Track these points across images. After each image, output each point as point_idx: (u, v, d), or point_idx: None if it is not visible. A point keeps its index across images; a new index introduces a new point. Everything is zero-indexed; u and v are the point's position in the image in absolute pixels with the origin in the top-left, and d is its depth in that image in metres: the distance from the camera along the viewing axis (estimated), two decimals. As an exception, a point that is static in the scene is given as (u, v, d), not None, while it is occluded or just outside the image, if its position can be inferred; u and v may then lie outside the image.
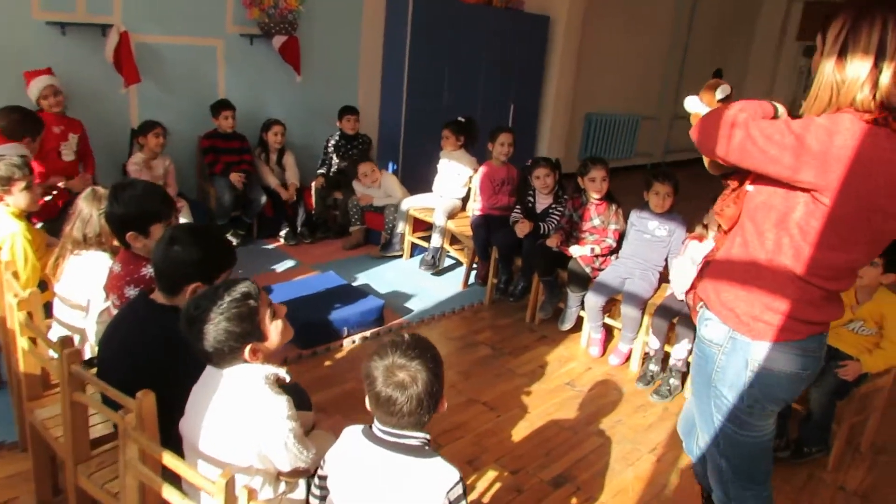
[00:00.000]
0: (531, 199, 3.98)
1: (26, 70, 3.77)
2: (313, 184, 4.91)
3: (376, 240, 4.91)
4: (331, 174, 5.05)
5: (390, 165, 5.88)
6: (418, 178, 5.35)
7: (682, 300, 3.21)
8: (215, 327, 1.42)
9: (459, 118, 4.66)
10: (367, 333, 3.54)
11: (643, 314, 3.34)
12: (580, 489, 2.49)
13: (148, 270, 1.97)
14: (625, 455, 2.73)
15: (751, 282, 1.51)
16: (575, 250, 3.59)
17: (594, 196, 3.61)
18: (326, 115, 5.30)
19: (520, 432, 2.83)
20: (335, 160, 5.03)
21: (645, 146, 9.06)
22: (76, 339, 2.25)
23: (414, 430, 1.36)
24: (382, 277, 4.38)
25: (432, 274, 4.49)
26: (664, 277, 3.48)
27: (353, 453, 1.40)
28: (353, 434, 1.42)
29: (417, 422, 1.35)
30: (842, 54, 1.31)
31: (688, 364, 3.21)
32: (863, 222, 1.35)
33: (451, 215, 4.51)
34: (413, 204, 4.66)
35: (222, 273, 1.77)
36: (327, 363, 3.28)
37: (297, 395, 1.72)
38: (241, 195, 4.58)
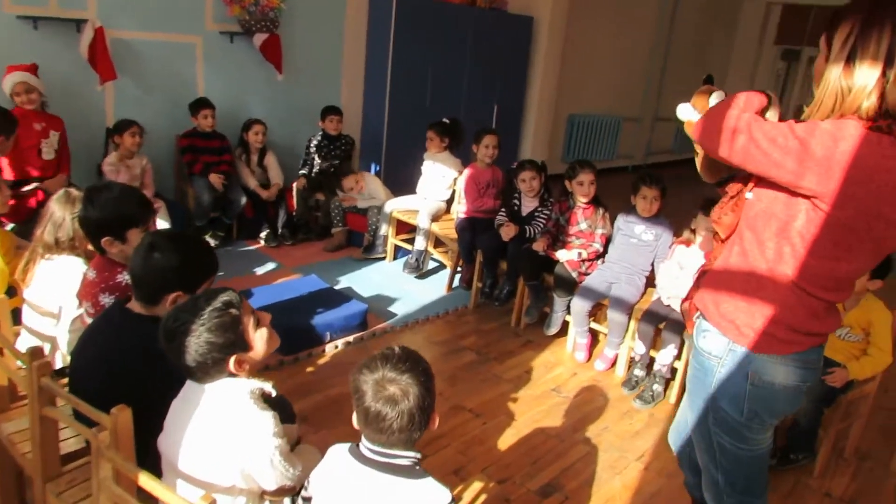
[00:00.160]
0: (517, 201, 3.95)
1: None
2: (295, 184, 4.83)
3: (358, 242, 4.84)
4: (312, 175, 4.97)
5: (373, 166, 5.81)
6: (401, 180, 5.30)
7: (669, 305, 3.20)
8: (197, 339, 1.36)
9: (444, 119, 4.61)
10: (351, 338, 3.48)
11: (630, 319, 3.32)
12: (568, 498, 2.46)
13: (124, 277, 1.89)
14: (612, 463, 2.70)
15: (751, 292, 1.47)
16: (562, 255, 3.56)
17: (581, 200, 3.58)
18: (308, 115, 5.21)
19: (506, 440, 2.78)
20: (317, 161, 4.95)
21: (627, 148, 9.10)
22: (46, 347, 2.15)
23: (404, 448, 1.30)
24: (365, 280, 4.32)
25: (416, 277, 4.43)
26: (650, 282, 3.47)
27: (338, 473, 1.33)
28: (338, 453, 1.36)
29: (408, 439, 1.30)
30: (850, 60, 1.28)
31: (673, 370, 3.20)
32: (864, 231, 1.33)
33: (436, 218, 4.45)
34: (397, 206, 4.60)
35: (204, 281, 1.70)
36: (309, 369, 3.20)
37: (281, 407, 1.65)
38: (221, 196, 4.48)
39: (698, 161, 1.75)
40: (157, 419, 1.45)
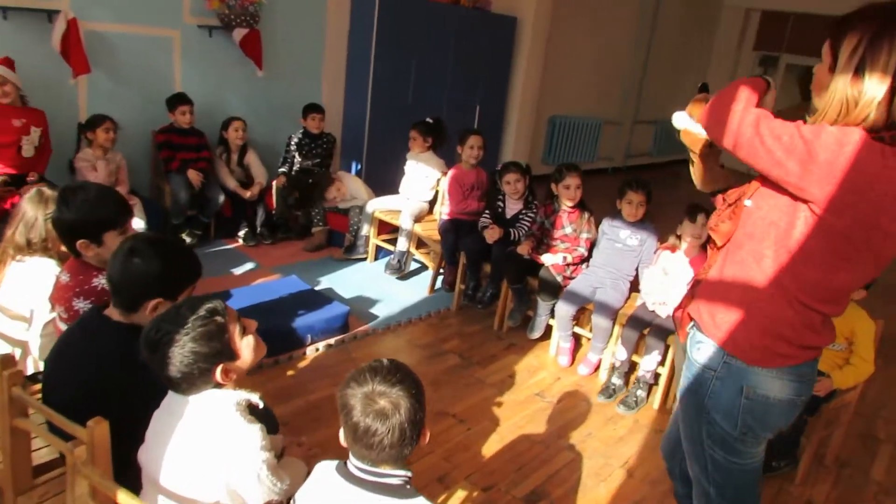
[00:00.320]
0: (501, 204, 3.92)
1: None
2: (274, 183, 4.73)
3: (339, 241, 4.77)
4: (292, 173, 4.88)
5: (354, 165, 5.74)
6: (383, 179, 5.24)
7: (653, 311, 3.20)
8: (181, 350, 1.30)
9: (427, 119, 4.56)
10: (332, 341, 3.42)
11: (614, 324, 3.31)
12: (554, 507, 2.44)
13: (100, 282, 1.81)
14: (597, 470, 2.69)
15: (747, 303, 1.46)
16: (547, 258, 3.54)
17: (567, 204, 3.56)
18: (288, 113, 5.13)
19: (491, 447, 2.75)
20: (298, 159, 4.86)
21: (607, 150, 9.14)
22: (17, 352, 2.07)
23: (394, 465, 1.26)
24: (346, 281, 4.25)
25: (398, 278, 4.38)
26: (634, 287, 3.47)
27: (325, 492, 1.28)
28: (325, 471, 1.31)
29: (398, 455, 1.25)
30: (858, 72, 1.26)
31: (656, 376, 3.20)
32: (862, 241, 1.31)
33: (418, 218, 4.41)
34: (379, 206, 4.54)
35: (186, 288, 1.63)
36: (290, 373, 3.14)
37: (266, 418, 1.60)
38: (198, 193, 4.38)
39: (694, 170, 1.73)
40: (138, 431, 1.39)
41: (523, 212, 3.84)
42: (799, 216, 1.35)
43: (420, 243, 4.52)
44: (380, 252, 4.67)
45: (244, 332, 1.41)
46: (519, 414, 3.03)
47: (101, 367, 1.52)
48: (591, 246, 3.60)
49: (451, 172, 4.16)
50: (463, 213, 4.09)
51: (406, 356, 3.46)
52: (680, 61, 9.96)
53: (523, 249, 3.60)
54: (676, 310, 1.76)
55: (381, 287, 4.23)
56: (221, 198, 4.43)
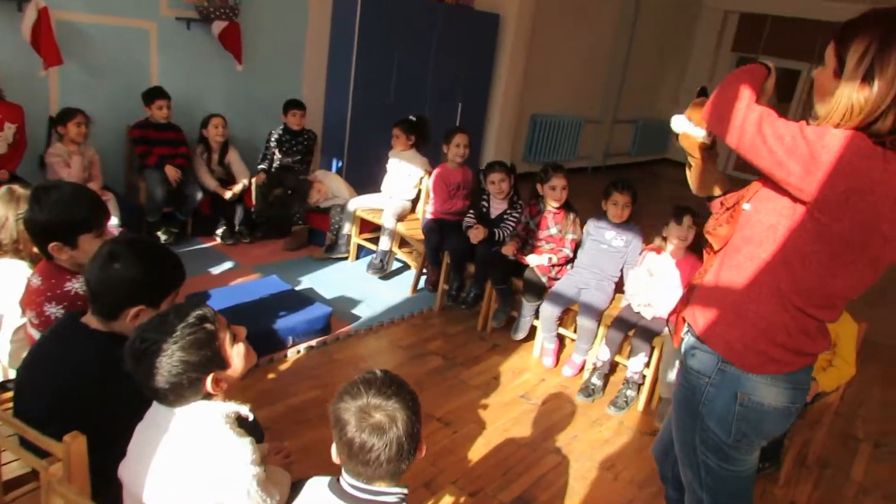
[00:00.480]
0: (485, 203, 3.88)
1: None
2: (254, 180, 4.63)
3: (319, 240, 4.69)
4: (272, 170, 4.79)
5: (334, 163, 5.65)
6: (364, 177, 5.17)
7: (639, 312, 3.19)
8: (169, 359, 1.24)
9: (410, 117, 4.50)
10: (314, 342, 3.35)
11: (599, 325, 3.30)
12: (541, 512, 2.41)
13: (73, 286, 1.73)
14: (583, 473, 2.67)
15: (744, 309, 1.44)
16: (532, 259, 3.51)
17: (553, 205, 3.54)
18: (268, 108, 5.02)
19: (477, 450, 2.72)
20: (277, 155, 4.77)
21: (587, 149, 9.16)
22: (-15, 358, 1.97)
23: (390, 482, 1.21)
24: (327, 281, 4.18)
25: (380, 278, 4.32)
26: (618, 288, 3.46)
27: (318, 510, 1.24)
28: (317, 488, 1.26)
29: (395, 471, 1.20)
30: (866, 78, 1.25)
31: (643, 377, 3.20)
32: (861, 246, 1.30)
33: (401, 217, 4.35)
34: (360, 204, 4.48)
35: (169, 294, 1.56)
36: (271, 376, 3.07)
37: (252, 428, 1.54)
38: (175, 190, 4.27)
39: (691, 174, 1.71)
40: (118, 445, 1.32)
41: (508, 212, 3.81)
42: (798, 220, 1.33)
43: (402, 242, 4.46)
44: (361, 251, 4.61)
45: (234, 339, 1.35)
46: (504, 416, 3.00)
47: (79, 377, 1.45)
48: (576, 247, 3.58)
49: (436, 171, 4.11)
50: (448, 212, 4.04)
51: (389, 357, 3.41)
52: (660, 61, 10.02)
53: (508, 250, 3.57)
54: (671, 314, 1.74)
55: (362, 287, 4.17)
56: (199, 195, 4.32)
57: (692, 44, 10.59)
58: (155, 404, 1.32)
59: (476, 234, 3.70)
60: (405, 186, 4.42)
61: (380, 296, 4.09)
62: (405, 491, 1.23)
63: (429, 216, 4.12)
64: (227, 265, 4.21)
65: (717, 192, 1.72)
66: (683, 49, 10.53)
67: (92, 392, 1.40)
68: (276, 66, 5.17)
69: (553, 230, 3.57)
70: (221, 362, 1.31)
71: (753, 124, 1.33)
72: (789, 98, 10.07)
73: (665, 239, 3.18)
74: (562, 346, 3.63)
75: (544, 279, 3.49)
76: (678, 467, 1.78)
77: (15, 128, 3.51)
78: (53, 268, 1.78)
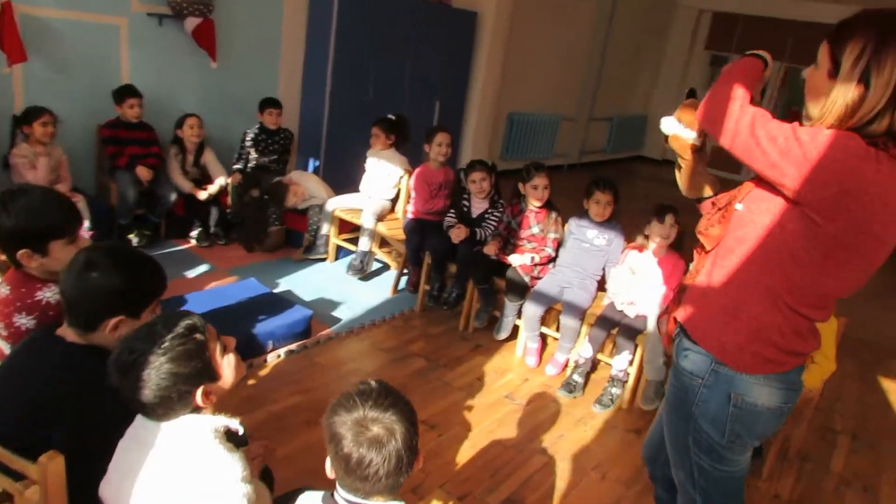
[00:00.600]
0: (466, 203, 3.85)
1: None
2: (229, 180, 4.53)
3: (296, 241, 4.62)
4: (248, 170, 4.70)
5: (311, 162, 5.57)
6: (341, 176, 5.10)
7: (622, 310, 3.19)
8: (157, 372, 1.18)
9: (389, 116, 4.44)
10: (294, 346, 3.29)
11: (582, 324, 3.29)
12: (530, 514, 2.39)
13: (45, 295, 1.65)
14: (570, 473, 2.66)
15: (737, 309, 1.43)
16: (515, 259, 3.49)
17: (535, 204, 3.52)
18: (243, 107, 4.92)
19: (463, 453, 2.69)
20: (253, 155, 4.68)
21: (563, 146, 9.19)
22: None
23: (388, 497, 1.17)
24: (306, 283, 4.12)
25: (360, 279, 4.27)
26: (601, 286, 3.46)
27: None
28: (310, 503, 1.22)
29: (394, 485, 1.17)
30: (862, 79, 1.24)
31: (628, 374, 3.20)
32: (854, 247, 1.31)
33: (381, 217, 4.30)
34: (339, 204, 4.41)
35: (150, 303, 1.50)
36: (251, 382, 3.00)
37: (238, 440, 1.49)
38: (148, 191, 4.15)
39: (681, 175, 1.70)
40: (99, 464, 1.26)
41: (489, 211, 3.78)
42: (791, 220, 1.33)
43: (382, 243, 4.41)
44: (340, 252, 4.55)
45: (224, 350, 1.30)
46: (489, 418, 2.98)
47: (55, 393, 1.38)
48: (559, 246, 3.57)
49: (417, 171, 4.06)
50: (429, 212, 4.00)
51: (371, 360, 3.36)
52: (635, 59, 10.10)
53: (490, 249, 3.54)
54: (661, 316, 1.73)
55: (342, 288, 4.11)
56: (173, 196, 4.21)
57: (666, 42, 10.70)
58: (138, 419, 1.26)
59: (458, 234, 3.66)
60: (384, 186, 4.37)
61: (360, 297, 4.03)
62: (403, 504, 1.20)
63: (410, 216, 4.08)
64: (203, 268, 4.11)
65: (707, 193, 1.71)
66: (658, 47, 10.63)
67: (69, 408, 1.33)
68: (252, 63, 5.07)
69: (535, 229, 3.56)
70: (212, 374, 1.26)
71: (747, 126, 1.32)
72: (760, 95, 10.20)
73: (647, 237, 3.18)
74: (544, 345, 3.62)
75: (527, 278, 3.47)
76: (668, 467, 1.77)
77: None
78: (23, 276, 1.69)
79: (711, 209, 1.56)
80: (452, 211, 3.84)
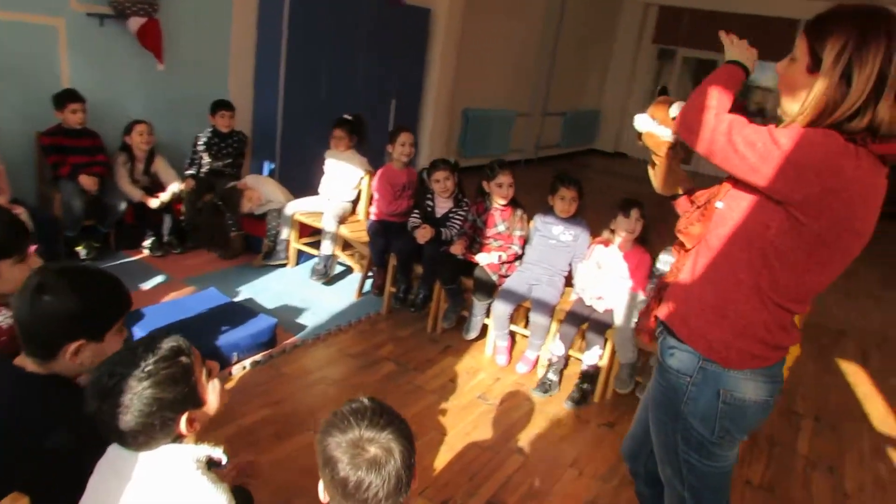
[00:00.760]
0: (430, 202, 3.80)
1: None
2: (182, 186, 4.37)
3: (255, 247, 4.49)
4: (200, 175, 4.54)
5: (266, 165, 5.42)
6: (298, 179, 4.97)
7: (591, 306, 3.20)
8: (139, 397, 1.11)
9: (346, 116, 4.35)
10: (259, 357, 3.19)
11: (551, 320, 3.29)
12: (512, 516, 2.37)
13: (-5, 319, 1.54)
14: (548, 472, 2.65)
15: (722, 307, 1.43)
16: (482, 258, 3.47)
17: (500, 202, 3.50)
18: (193, 110, 4.74)
19: (441, 458, 2.65)
20: (206, 159, 4.52)
21: (518, 142, 9.24)
22: None
23: (386, 518, 1.12)
24: (268, 289, 4.00)
25: (323, 283, 4.18)
26: (567, 282, 3.47)
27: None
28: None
29: None
30: (844, 75, 1.25)
31: (598, 369, 3.21)
32: (835, 243, 1.32)
33: (342, 220, 4.21)
34: (298, 208, 4.31)
35: (113, 324, 1.40)
36: (216, 396, 2.88)
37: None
38: (95, 201, 3.96)
39: (655, 172, 1.70)
40: (69, 501, 1.17)
41: (454, 210, 3.75)
42: (774, 218, 1.33)
43: (345, 245, 4.33)
44: (301, 256, 4.44)
45: (210, 374, 1.23)
46: (464, 420, 2.95)
47: (21, 432, 1.26)
48: (524, 243, 3.57)
49: (379, 172, 3.99)
50: (393, 214, 3.94)
51: (339, 366, 3.29)
52: (585, 54, 10.22)
53: (457, 249, 3.51)
54: (642, 314, 1.72)
55: (305, 294, 4.02)
56: (123, 205, 4.03)
57: (615, 37, 10.88)
58: (113, 450, 1.17)
59: (423, 235, 3.62)
60: (345, 188, 4.28)
61: (324, 302, 3.94)
62: (402, 527, 1.14)
63: (373, 218, 4.01)
64: (158, 279, 3.95)
65: (679, 190, 1.72)
66: (607, 42, 10.79)
67: (31, 444, 1.23)
68: (201, 64, 4.89)
69: (501, 227, 3.54)
70: (197, 400, 1.19)
71: (724, 134, 1.33)
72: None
73: (613, 231, 3.20)
74: (513, 342, 3.61)
75: (495, 277, 3.45)
76: (651, 464, 1.78)
77: None
78: (-31, 300, 1.57)
79: (690, 207, 1.55)
80: (416, 211, 3.79)
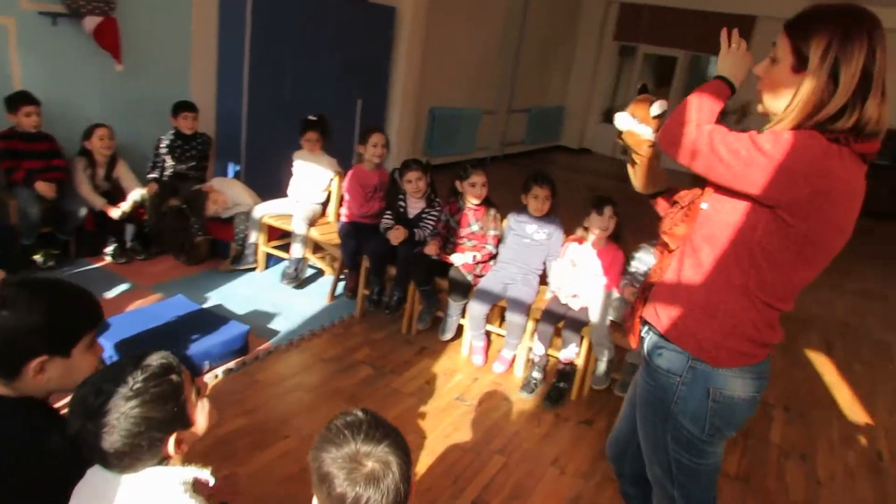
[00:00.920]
0: (402, 203, 3.76)
1: None
2: (144, 191, 4.23)
3: (222, 251, 4.38)
4: (163, 178, 4.41)
5: (231, 168, 5.30)
6: (265, 181, 4.87)
7: (566, 304, 3.21)
8: (126, 417, 1.05)
9: (311, 117, 4.26)
10: (232, 364, 3.11)
11: (527, 319, 3.30)
12: (497, 518, 2.36)
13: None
14: (530, 471, 2.65)
15: (711, 306, 1.44)
16: (456, 258, 3.45)
17: (473, 201, 3.48)
18: (154, 112, 4.59)
19: (423, 461, 2.63)
20: (169, 162, 4.39)
21: (484, 139, 9.24)
22: None
23: (384, 534, 1.09)
24: (237, 295, 3.91)
25: (294, 287, 4.10)
26: (542, 280, 3.47)
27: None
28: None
29: None
30: (831, 74, 1.26)
31: (575, 366, 3.23)
32: (821, 241, 1.34)
33: (312, 222, 4.14)
34: (267, 211, 4.22)
35: (81, 338, 1.34)
36: (189, 407, 2.80)
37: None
38: (53, 208, 3.81)
39: (635, 171, 1.70)
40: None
41: (426, 210, 3.72)
42: (760, 220, 1.34)
43: (315, 248, 4.26)
44: (270, 260, 4.36)
45: (199, 393, 1.18)
46: (443, 422, 2.93)
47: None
48: (498, 242, 3.56)
49: (350, 173, 3.94)
50: (365, 215, 3.89)
51: (314, 372, 3.23)
52: (548, 52, 10.29)
53: (431, 250, 3.49)
54: (626, 313, 1.72)
55: (276, 298, 3.94)
56: (83, 211, 3.88)
57: (577, 34, 10.97)
58: (93, 473, 1.12)
59: (396, 236, 3.58)
60: (314, 189, 4.21)
61: (296, 307, 3.87)
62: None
63: (344, 219, 3.95)
64: (123, 287, 3.82)
65: (661, 188, 1.72)
66: (570, 39, 10.88)
67: (9, 481, 1.16)
68: (161, 64, 4.74)
69: (474, 227, 3.53)
70: (185, 420, 1.14)
71: (706, 144, 1.34)
72: (668, 82, 10.67)
73: (587, 229, 3.21)
74: (489, 342, 3.60)
75: (470, 277, 3.44)
76: (637, 464, 1.78)
77: None
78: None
79: (673, 208, 1.56)
80: (389, 212, 3.75)
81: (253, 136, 5.27)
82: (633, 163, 1.70)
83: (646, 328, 1.62)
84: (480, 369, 3.44)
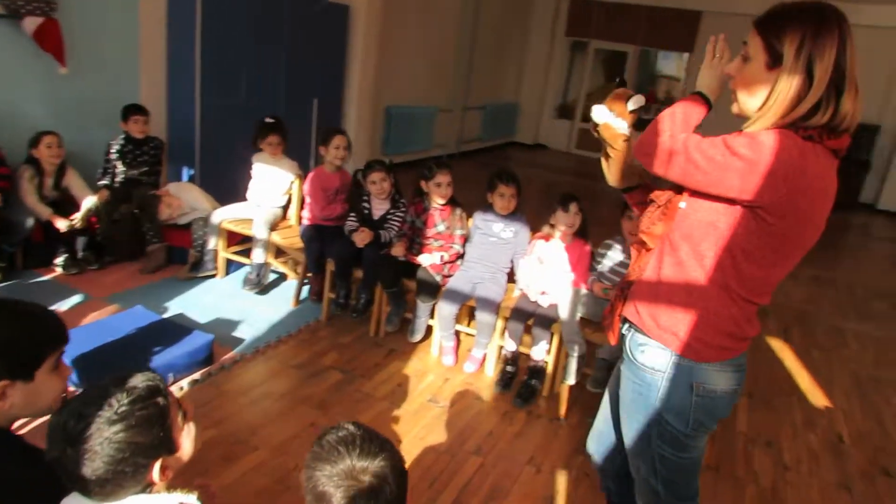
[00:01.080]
0: (366, 205, 3.71)
1: None
2: (95, 198, 4.06)
3: (180, 258, 4.25)
4: (115, 184, 4.24)
5: (185, 172, 5.14)
6: (220, 185, 4.75)
7: (535, 301, 3.23)
8: (110, 442, 1.00)
9: (267, 119, 4.15)
10: (198, 375, 3.02)
11: (497, 318, 3.30)
12: (477, 519, 2.36)
13: None
14: (506, 471, 2.65)
15: (691, 303, 1.46)
16: (424, 259, 3.42)
17: (438, 201, 3.46)
18: (102, 115, 4.41)
19: (399, 467, 2.59)
20: (120, 168, 4.23)
21: (441, 137, 9.24)
22: None
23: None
24: (198, 303, 3.80)
25: (257, 293, 4.01)
26: (509, 278, 3.48)
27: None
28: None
29: None
30: (806, 71, 1.28)
31: (546, 363, 3.25)
32: (797, 237, 1.37)
33: (273, 226, 4.05)
34: (226, 216, 4.11)
35: (45, 360, 1.27)
36: (154, 422, 2.70)
37: None
38: (-3, 218, 3.62)
39: (609, 165, 1.70)
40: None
41: (391, 211, 3.68)
42: (738, 218, 1.36)
43: (277, 252, 4.17)
44: (231, 266, 4.25)
45: (185, 417, 1.12)
46: (417, 425, 2.90)
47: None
48: (465, 242, 3.55)
49: (310, 175, 3.87)
50: (328, 218, 3.82)
51: (283, 379, 3.16)
52: (502, 48, 10.34)
53: (398, 251, 3.45)
54: (606, 312, 1.73)
55: (239, 305, 3.84)
56: (30, 221, 3.70)
57: (530, 31, 11.06)
58: (70, 501, 1.05)
59: (362, 238, 3.53)
60: (275, 193, 4.12)
61: (260, 313, 3.78)
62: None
63: (306, 222, 3.87)
64: (76, 298, 3.66)
65: (634, 183, 1.74)
66: (522, 36, 10.96)
67: None
68: (108, 66, 4.55)
69: (441, 227, 3.51)
70: (171, 446, 1.08)
71: (681, 153, 1.35)
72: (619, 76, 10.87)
73: (553, 226, 3.23)
74: (459, 342, 3.59)
75: (438, 278, 3.42)
76: (618, 460, 1.80)
77: None
78: None
79: (650, 206, 1.57)
80: (353, 214, 3.69)
81: (207, 139, 5.13)
82: (608, 157, 1.71)
83: (626, 326, 1.63)
84: (451, 369, 3.43)
